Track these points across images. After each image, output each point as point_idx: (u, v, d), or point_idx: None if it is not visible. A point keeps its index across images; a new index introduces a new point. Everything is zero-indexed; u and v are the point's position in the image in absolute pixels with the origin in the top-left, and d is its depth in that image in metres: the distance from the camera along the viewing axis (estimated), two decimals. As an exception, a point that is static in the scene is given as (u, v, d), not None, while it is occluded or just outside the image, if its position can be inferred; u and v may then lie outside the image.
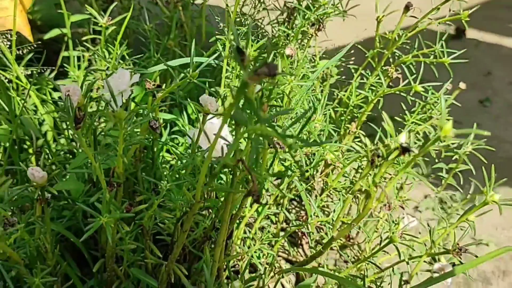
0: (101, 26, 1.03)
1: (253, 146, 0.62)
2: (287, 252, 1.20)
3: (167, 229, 0.89)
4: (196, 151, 0.85)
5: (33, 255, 0.81)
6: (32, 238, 0.79)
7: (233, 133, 1.07)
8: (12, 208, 0.87)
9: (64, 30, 1.28)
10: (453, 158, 1.10)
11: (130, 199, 0.95)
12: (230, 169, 0.70)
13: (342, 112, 1.23)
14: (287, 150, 0.66)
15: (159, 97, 0.90)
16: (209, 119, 0.84)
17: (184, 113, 1.20)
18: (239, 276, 1.02)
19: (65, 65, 1.25)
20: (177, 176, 0.81)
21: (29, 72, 1.01)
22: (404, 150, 0.63)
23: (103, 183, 0.70)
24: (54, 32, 1.30)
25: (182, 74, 0.83)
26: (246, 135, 0.56)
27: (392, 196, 1.11)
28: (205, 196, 0.73)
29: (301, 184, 0.95)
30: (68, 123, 0.64)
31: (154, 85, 0.90)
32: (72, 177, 0.96)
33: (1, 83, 0.86)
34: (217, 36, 0.95)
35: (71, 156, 1.12)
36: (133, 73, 0.83)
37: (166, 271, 0.79)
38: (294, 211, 1.31)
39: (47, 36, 1.30)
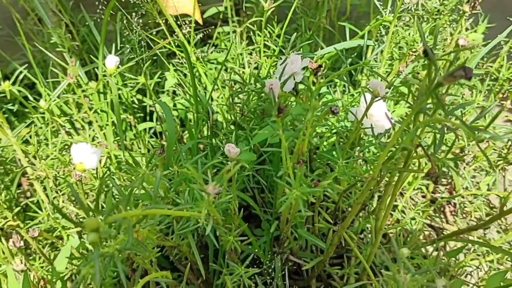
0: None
1: (440, 135, 0.69)
2: (429, 218, 1.27)
3: (332, 197, 1.00)
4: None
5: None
6: (222, 203, 0.94)
7: (392, 111, 1.14)
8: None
9: (220, 8, 1.40)
10: None
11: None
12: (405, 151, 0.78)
13: (491, 84, 1.24)
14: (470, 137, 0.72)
15: (325, 80, 0.99)
16: (376, 101, 0.91)
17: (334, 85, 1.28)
18: (391, 240, 1.11)
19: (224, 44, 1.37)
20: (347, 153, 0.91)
21: (203, 54, 1.14)
22: None
23: (286, 160, 0.82)
24: (212, 11, 1.43)
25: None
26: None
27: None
28: (380, 173, 0.82)
29: (454, 163, 1.00)
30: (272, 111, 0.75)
31: (316, 65, 0.99)
32: (243, 148, 1.09)
33: (190, 66, 0.98)
34: (379, 19, 1.00)
35: (233, 127, 1.26)
36: (303, 58, 0.94)
37: (338, 236, 0.91)
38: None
39: (206, 15, 1.43)
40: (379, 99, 0.92)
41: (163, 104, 0.86)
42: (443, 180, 1.35)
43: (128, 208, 0.74)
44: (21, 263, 0.74)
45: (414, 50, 0.99)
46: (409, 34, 0.98)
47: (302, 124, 0.82)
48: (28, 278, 0.72)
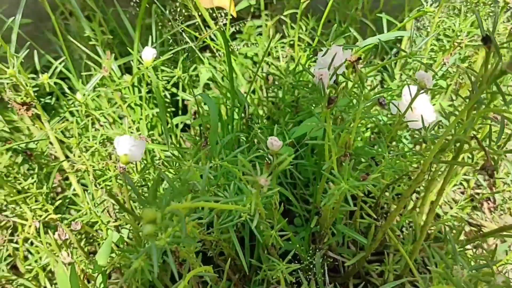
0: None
1: (500, 126, 0.67)
2: (468, 214, 1.24)
3: (373, 192, 0.97)
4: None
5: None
6: (264, 197, 0.92)
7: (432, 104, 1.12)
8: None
9: (251, 1, 1.39)
10: None
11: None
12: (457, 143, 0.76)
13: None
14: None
15: (368, 71, 0.96)
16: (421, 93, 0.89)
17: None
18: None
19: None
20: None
21: (238, 47, 1.12)
22: None
23: (332, 154, 0.80)
24: (243, 4, 1.41)
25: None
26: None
27: None
28: (430, 167, 0.79)
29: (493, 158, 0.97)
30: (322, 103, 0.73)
31: (355, 57, 0.97)
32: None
33: (228, 59, 0.97)
34: (421, 9, 0.97)
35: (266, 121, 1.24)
36: (344, 49, 0.92)
37: (382, 232, 0.89)
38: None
39: (237, 8, 1.42)
40: (424, 91, 0.89)
41: (206, 97, 0.85)
42: (480, 176, 1.32)
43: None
44: (68, 256, 0.73)
45: (459, 41, 0.97)
46: (454, 24, 0.95)
47: (350, 116, 0.80)
48: (75, 271, 0.71)
